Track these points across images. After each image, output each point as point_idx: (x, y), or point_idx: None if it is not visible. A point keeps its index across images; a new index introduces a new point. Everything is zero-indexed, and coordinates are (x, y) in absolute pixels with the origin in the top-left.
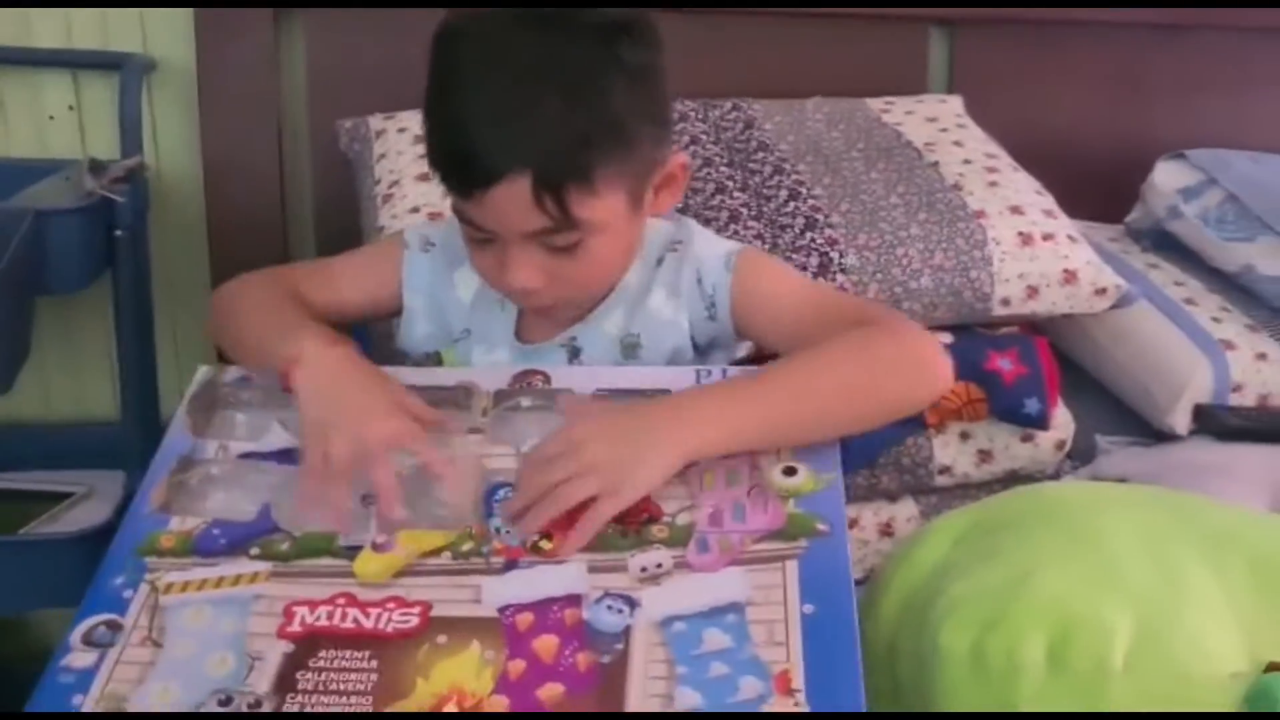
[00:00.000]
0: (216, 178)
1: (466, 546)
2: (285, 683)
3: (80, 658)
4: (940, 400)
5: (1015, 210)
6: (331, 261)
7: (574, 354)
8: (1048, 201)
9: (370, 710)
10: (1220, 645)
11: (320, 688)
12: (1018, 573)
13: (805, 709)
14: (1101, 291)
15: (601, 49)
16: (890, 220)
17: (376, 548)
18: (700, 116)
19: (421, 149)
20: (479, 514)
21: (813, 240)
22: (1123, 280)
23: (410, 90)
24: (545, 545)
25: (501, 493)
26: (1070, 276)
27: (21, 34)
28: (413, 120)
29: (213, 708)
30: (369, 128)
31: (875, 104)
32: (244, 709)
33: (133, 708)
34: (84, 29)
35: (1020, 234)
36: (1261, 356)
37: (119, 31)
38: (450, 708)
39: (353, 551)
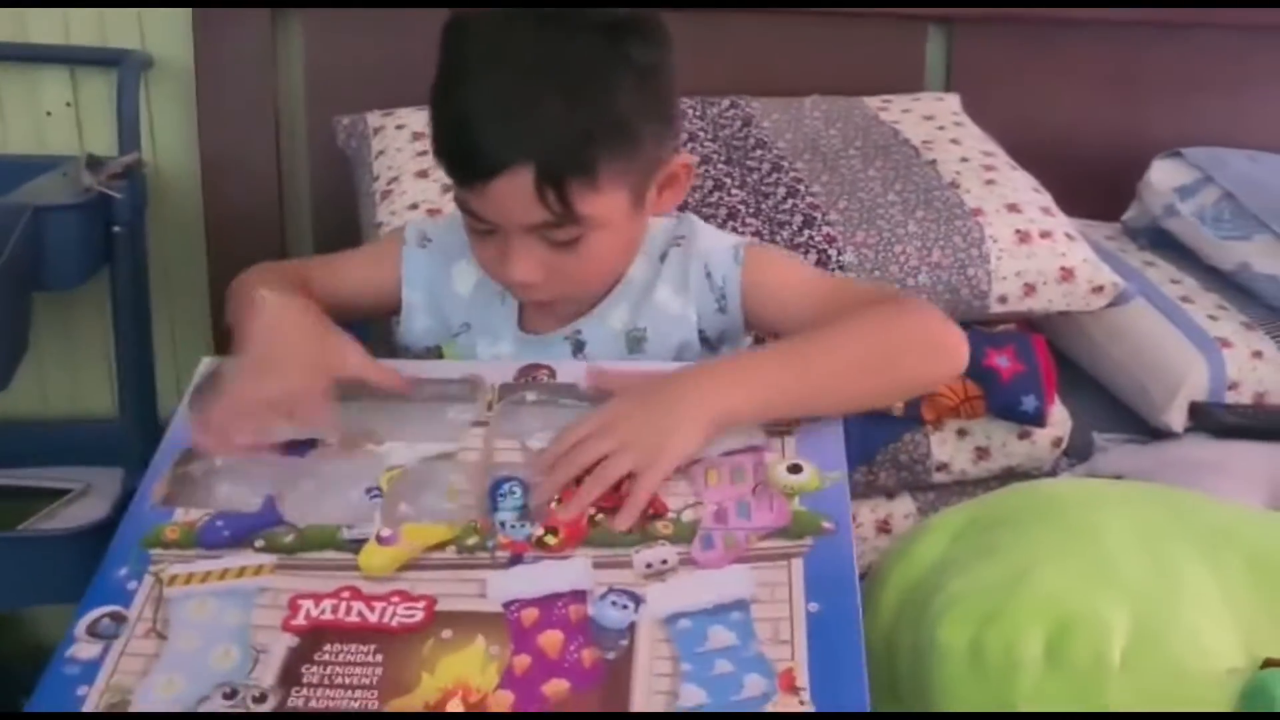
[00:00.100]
0: (214, 174)
1: (471, 541)
2: (290, 676)
3: (85, 649)
4: (938, 397)
5: (1012, 208)
6: (337, 257)
7: (578, 347)
8: (1045, 199)
9: (375, 704)
10: (1217, 642)
11: (325, 681)
12: (1016, 569)
13: (810, 707)
14: (1098, 289)
15: (610, 46)
16: (888, 218)
17: (381, 541)
18: (698, 114)
19: (420, 146)
20: (484, 508)
21: (810, 238)
22: (1119, 278)
23: (407, 87)
24: (551, 540)
25: (506, 486)
26: (1067, 274)
27: (19, 30)
28: (411, 117)
29: (217, 700)
30: (367, 124)
31: (873, 102)
32: (249, 701)
33: (137, 700)
34: (82, 25)
35: (1017, 232)
36: (1257, 354)
37: (117, 28)
38: (455, 703)
39: (357, 544)
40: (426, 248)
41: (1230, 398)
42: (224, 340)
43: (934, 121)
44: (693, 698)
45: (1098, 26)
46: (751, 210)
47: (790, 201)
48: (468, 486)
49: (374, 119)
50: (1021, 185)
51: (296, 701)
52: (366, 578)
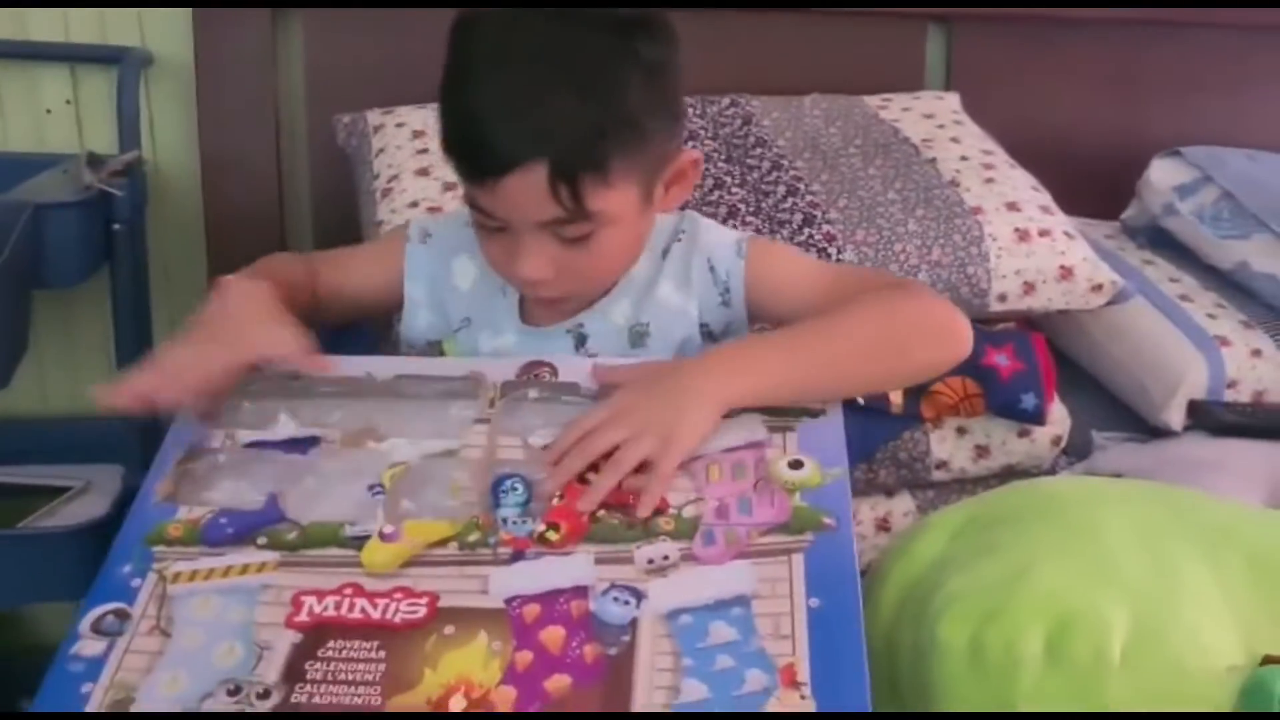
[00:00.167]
0: (214, 172)
1: (473, 537)
2: (293, 673)
3: (89, 646)
4: (938, 395)
5: (1012, 207)
6: (344, 252)
7: (580, 341)
8: (1044, 198)
9: (378, 700)
10: (1216, 639)
11: (329, 678)
12: (1016, 567)
13: (811, 702)
14: (1097, 288)
15: (619, 43)
16: (888, 216)
17: (383, 538)
18: (698, 112)
19: (420, 144)
20: (486, 505)
21: (810, 236)
22: (1118, 277)
23: (408, 86)
24: (552, 536)
25: (508, 483)
26: (1066, 273)
27: (19, 28)
28: (411, 115)
29: (221, 697)
30: (367, 122)
31: (872, 100)
32: (252, 698)
33: (141, 697)
34: (81, 23)
35: (1017, 230)
36: (1256, 353)
37: (117, 26)
38: (457, 699)
39: (359, 541)
40: (427, 243)
41: (1229, 396)
42: None
43: (934, 120)
44: (694, 692)
45: (1097, 26)
46: (752, 209)
47: (790, 200)
48: (470, 483)
49: (374, 117)
50: (1021, 184)
51: (300, 698)
52: (369, 574)
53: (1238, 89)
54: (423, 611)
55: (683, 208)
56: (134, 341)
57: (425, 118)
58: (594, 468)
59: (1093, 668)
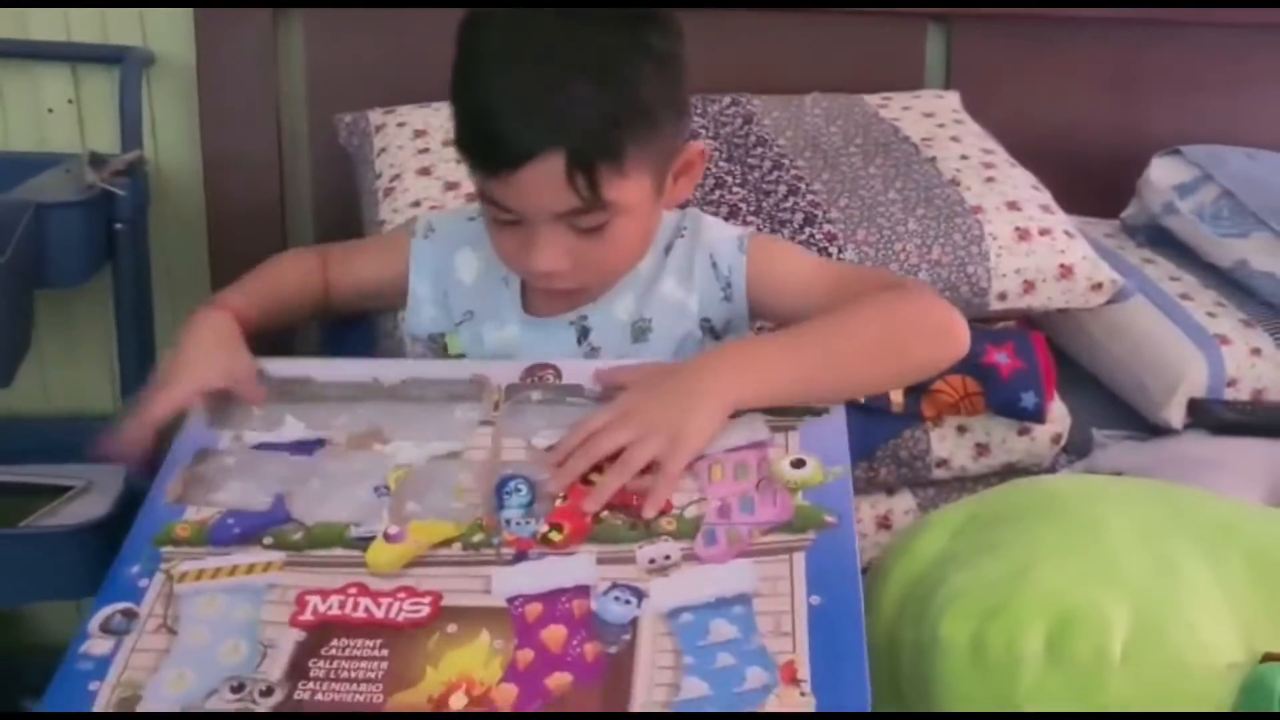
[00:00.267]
0: (216, 171)
1: (477, 538)
2: (297, 670)
3: (98, 645)
4: (938, 393)
5: (1012, 205)
6: (353, 249)
7: (583, 334)
8: (1044, 197)
9: (380, 698)
10: (1217, 637)
11: (331, 675)
12: (1017, 565)
13: (811, 699)
14: (1097, 286)
15: (631, 35)
16: (888, 215)
17: (388, 538)
18: (699, 111)
19: (422, 144)
20: (490, 506)
21: (811, 235)
22: (1118, 275)
23: (409, 85)
24: (555, 537)
25: (512, 484)
26: (1066, 271)
27: (20, 27)
28: (412, 114)
29: (225, 694)
30: (368, 122)
31: (873, 99)
32: (255, 695)
33: (147, 694)
34: (83, 23)
35: (1017, 229)
36: (1256, 351)
37: (118, 25)
38: (459, 696)
39: (364, 542)
40: (431, 238)
41: (1229, 394)
42: None
43: (934, 119)
44: (694, 690)
45: (1097, 25)
46: (752, 208)
47: (791, 200)
48: (474, 485)
49: (375, 116)
50: (1021, 183)
51: (303, 695)
52: (373, 574)
53: (1237, 88)
54: (426, 611)
55: (684, 206)
56: (136, 341)
57: (427, 117)
58: (598, 469)
59: (1093, 665)
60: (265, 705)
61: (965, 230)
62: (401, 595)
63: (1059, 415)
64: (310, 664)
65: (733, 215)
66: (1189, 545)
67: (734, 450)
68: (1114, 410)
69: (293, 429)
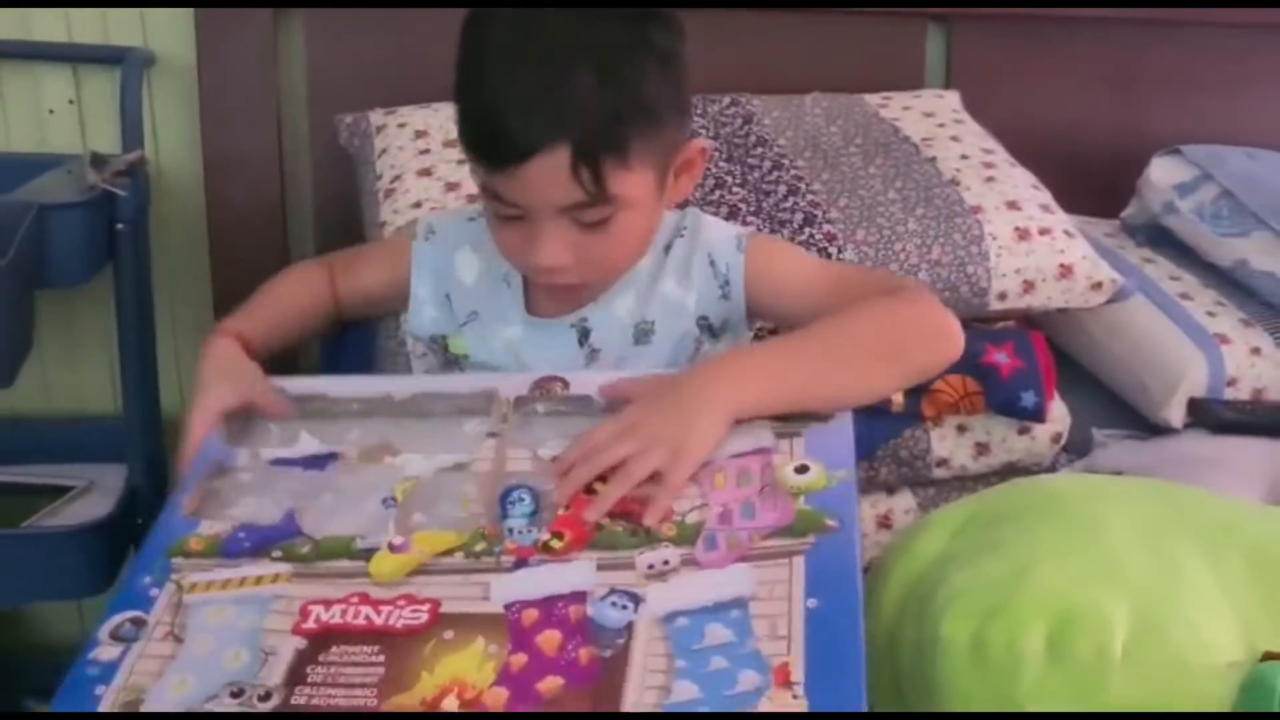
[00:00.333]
0: (217, 172)
1: (479, 547)
2: (295, 676)
3: (106, 651)
4: (938, 393)
5: (1012, 205)
6: (357, 257)
7: (584, 335)
8: (1044, 196)
9: (374, 701)
10: (1217, 635)
11: (328, 681)
12: (1018, 564)
13: (803, 701)
14: (1097, 286)
15: (633, 32)
16: (888, 215)
17: (393, 549)
18: (699, 111)
19: (423, 144)
20: (493, 515)
21: (811, 235)
22: (1118, 275)
23: (410, 86)
24: (556, 544)
25: (515, 494)
26: (1066, 271)
27: (21, 28)
28: (413, 115)
29: (225, 698)
30: (369, 123)
31: (873, 99)
32: (254, 700)
33: (151, 698)
34: (84, 23)
35: (1017, 229)
36: (1256, 351)
37: (119, 26)
38: (451, 699)
39: (370, 553)
40: (431, 240)
41: (1229, 394)
42: None
43: (934, 119)
44: (685, 693)
45: (1097, 24)
46: (752, 208)
47: (791, 200)
48: (478, 495)
49: (376, 117)
50: (1021, 182)
51: (299, 699)
52: (376, 583)
53: (1237, 88)
54: (424, 618)
55: (684, 205)
56: (137, 341)
57: (427, 118)
58: (601, 479)
59: (1094, 664)
60: (264, 710)
61: (965, 230)
62: (402, 603)
63: (1059, 415)
64: (308, 670)
65: (733, 215)
66: (1189, 544)
67: (738, 456)
68: (1114, 410)
69: (307, 444)
